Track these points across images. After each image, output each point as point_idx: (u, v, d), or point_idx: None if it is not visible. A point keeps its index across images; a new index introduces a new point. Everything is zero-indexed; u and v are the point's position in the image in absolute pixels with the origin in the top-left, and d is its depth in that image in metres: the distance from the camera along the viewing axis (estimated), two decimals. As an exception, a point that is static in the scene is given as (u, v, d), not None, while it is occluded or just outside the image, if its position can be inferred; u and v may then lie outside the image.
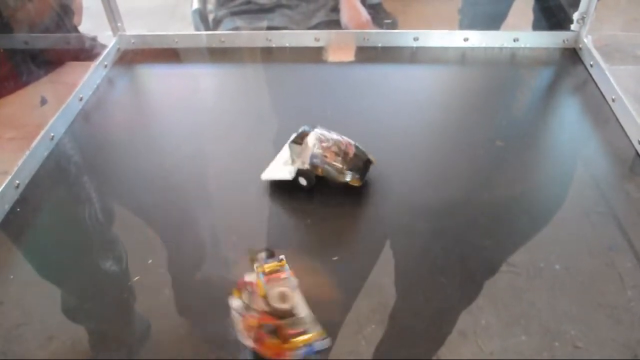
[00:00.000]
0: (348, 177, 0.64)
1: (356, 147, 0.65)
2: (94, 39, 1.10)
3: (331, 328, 0.51)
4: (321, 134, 0.65)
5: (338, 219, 0.62)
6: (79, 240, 0.62)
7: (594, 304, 0.52)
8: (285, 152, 0.68)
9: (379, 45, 0.94)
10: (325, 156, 0.63)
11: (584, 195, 0.64)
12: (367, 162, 0.66)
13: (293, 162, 0.66)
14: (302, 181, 0.65)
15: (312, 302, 0.50)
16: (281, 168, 0.67)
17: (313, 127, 0.67)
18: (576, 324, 0.51)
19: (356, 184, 0.64)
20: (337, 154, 0.64)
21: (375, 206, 0.64)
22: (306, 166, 0.64)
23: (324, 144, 0.64)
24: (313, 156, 0.64)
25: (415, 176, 0.68)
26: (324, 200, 0.65)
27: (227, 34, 0.98)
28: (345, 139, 0.66)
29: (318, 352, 0.48)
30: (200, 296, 0.56)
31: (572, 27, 0.90)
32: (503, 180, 0.67)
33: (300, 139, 0.65)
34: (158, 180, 0.70)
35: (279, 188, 0.67)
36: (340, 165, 0.63)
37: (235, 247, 0.60)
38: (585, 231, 0.59)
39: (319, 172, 0.64)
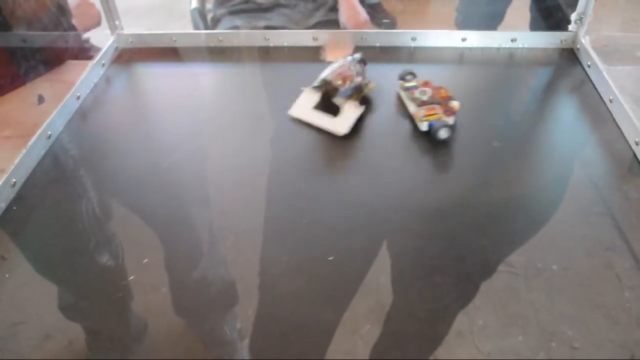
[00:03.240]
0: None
1: (349, 62, 0.77)
2: (86, 39, 1.10)
3: (327, 328, 0.51)
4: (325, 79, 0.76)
5: (335, 218, 0.62)
6: (75, 238, 0.62)
7: (591, 304, 0.52)
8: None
9: (377, 45, 0.94)
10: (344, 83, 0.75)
11: (582, 195, 0.64)
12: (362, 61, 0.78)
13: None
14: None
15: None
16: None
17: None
18: (574, 324, 0.51)
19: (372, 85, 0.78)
20: (347, 79, 0.75)
21: (372, 206, 0.64)
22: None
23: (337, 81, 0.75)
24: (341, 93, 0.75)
25: (412, 176, 0.68)
26: (320, 199, 0.65)
27: (224, 33, 0.97)
28: (337, 67, 0.77)
29: None
30: (198, 295, 0.55)
31: (570, 27, 0.90)
32: (500, 181, 0.67)
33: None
34: (155, 179, 0.69)
35: (277, 188, 0.67)
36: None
37: (232, 246, 0.60)
38: (583, 231, 0.59)
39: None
